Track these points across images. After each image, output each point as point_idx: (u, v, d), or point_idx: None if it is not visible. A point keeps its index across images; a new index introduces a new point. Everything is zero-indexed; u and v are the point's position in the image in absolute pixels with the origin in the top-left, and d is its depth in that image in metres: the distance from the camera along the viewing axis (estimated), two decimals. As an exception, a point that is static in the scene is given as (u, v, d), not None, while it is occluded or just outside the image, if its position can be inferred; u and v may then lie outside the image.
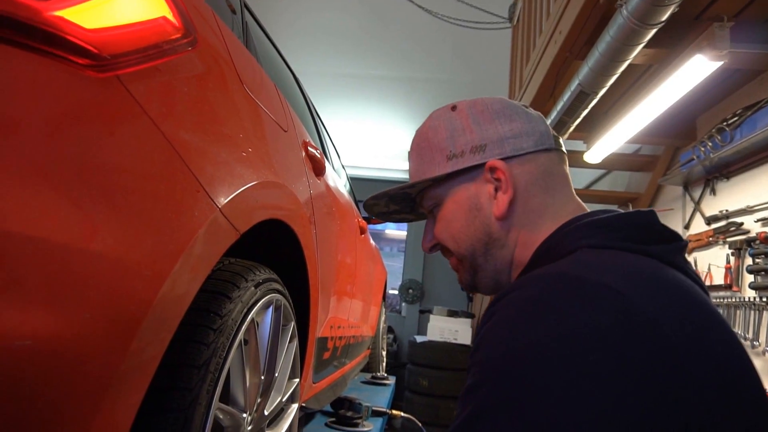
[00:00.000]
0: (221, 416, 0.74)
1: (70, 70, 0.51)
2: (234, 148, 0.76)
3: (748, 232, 2.62)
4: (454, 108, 0.74)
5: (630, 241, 0.58)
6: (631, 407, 0.43)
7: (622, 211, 0.63)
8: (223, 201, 0.68)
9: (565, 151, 0.74)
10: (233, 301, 0.74)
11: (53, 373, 0.46)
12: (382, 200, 0.82)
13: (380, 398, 2.47)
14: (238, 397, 0.78)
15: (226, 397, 0.78)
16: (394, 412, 2.01)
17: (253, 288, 0.80)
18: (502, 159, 0.69)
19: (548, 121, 3.06)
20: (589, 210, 0.69)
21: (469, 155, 0.70)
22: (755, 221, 2.56)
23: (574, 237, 0.61)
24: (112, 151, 0.53)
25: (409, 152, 0.80)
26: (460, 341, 4.81)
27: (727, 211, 2.78)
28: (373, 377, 3.04)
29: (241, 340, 0.75)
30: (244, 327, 0.75)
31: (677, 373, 0.45)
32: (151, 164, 0.57)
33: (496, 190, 0.69)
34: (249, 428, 0.84)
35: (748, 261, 2.55)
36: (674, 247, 0.59)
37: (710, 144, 2.70)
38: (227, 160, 0.72)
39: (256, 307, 0.80)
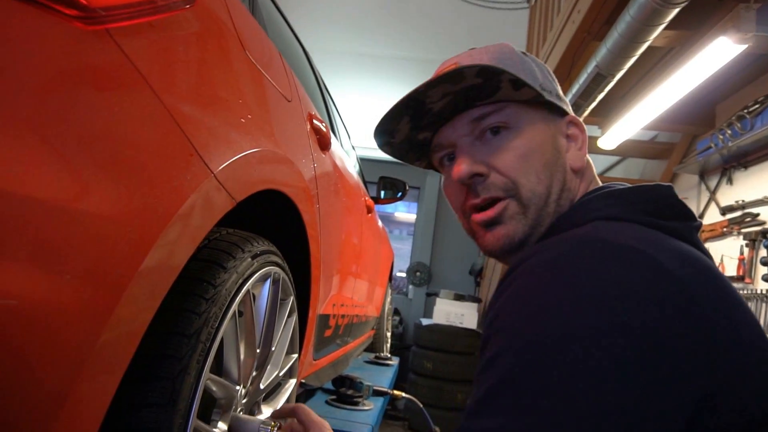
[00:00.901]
0: (214, 388, 0.73)
1: (58, 21, 0.48)
2: (231, 114, 0.73)
3: (763, 223, 2.57)
4: (525, 54, 0.68)
5: (647, 215, 0.54)
6: (663, 368, 0.41)
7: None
8: (218, 167, 0.65)
9: None
10: (228, 271, 0.72)
11: (35, 335, 0.44)
12: (404, 120, 0.66)
13: (383, 378, 2.47)
14: (232, 369, 0.77)
15: (220, 369, 0.76)
16: (396, 392, 2.00)
17: (249, 259, 0.78)
18: None
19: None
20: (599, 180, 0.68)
21: (557, 99, 0.66)
22: (772, 212, 2.50)
23: (590, 207, 0.58)
24: (101, 107, 0.50)
25: (472, 51, 0.67)
26: (465, 325, 4.81)
27: (743, 201, 2.72)
28: (376, 357, 3.04)
29: (235, 312, 0.73)
30: (238, 298, 0.73)
31: (707, 335, 0.43)
32: (142, 124, 0.55)
33: (570, 143, 0.66)
34: (243, 401, 0.83)
35: (763, 253, 2.50)
36: (690, 225, 0.56)
37: (729, 132, 2.62)
38: (224, 124, 0.70)
39: (252, 279, 0.78)
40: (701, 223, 0.59)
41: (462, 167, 0.62)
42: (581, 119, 2.59)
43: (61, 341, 0.46)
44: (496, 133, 0.63)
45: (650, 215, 0.54)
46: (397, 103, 0.65)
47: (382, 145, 0.72)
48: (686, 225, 0.55)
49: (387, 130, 0.69)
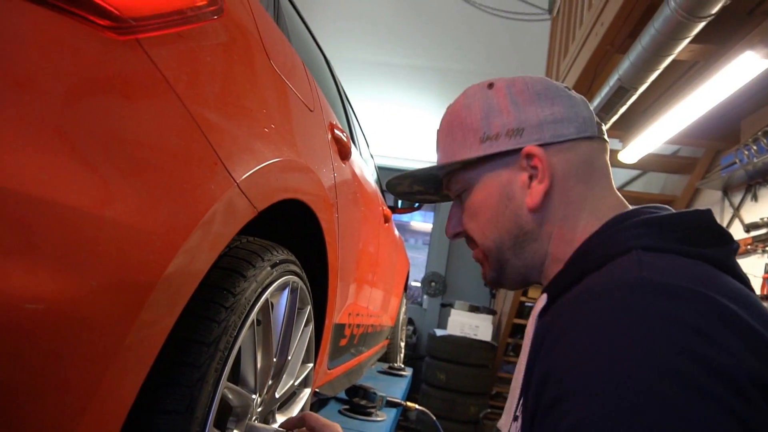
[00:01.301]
0: (230, 396, 0.73)
1: (90, 31, 0.49)
2: (256, 124, 0.74)
3: (790, 241, 2.50)
4: (491, 86, 0.68)
5: (686, 244, 0.53)
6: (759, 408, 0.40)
7: (671, 209, 0.58)
8: (241, 176, 0.66)
9: (607, 140, 0.68)
10: (248, 279, 0.72)
11: (59, 339, 0.45)
12: (406, 180, 0.77)
13: (396, 389, 2.46)
14: (248, 377, 0.77)
15: (236, 377, 0.76)
16: (409, 404, 1.99)
17: (269, 268, 0.78)
18: (540, 145, 0.63)
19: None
20: (629, 205, 0.64)
21: (505, 139, 0.64)
22: (799, 231, 2.44)
23: (626, 236, 0.55)
24: (129, 115, 0.51)
25: (437, 130, 0.74)
26: (480, 337, 4.76)
27: (768, 218, 2.66)
28: (390, 368, 3.03)
29: (253, 320, 0.73)
30: (257, 307, 0.73)
31: None
32: (168, 133, 0.55)
33: (531, 178, 0.63)
34: (258, 410, 0.83)
35: (788, 272, 2.44)
36: (729, 250, 0.54)
37: (755, 147, 2.57)
38: (248, 134, 0.70)
39: (271, 288, 0.78)
40: (739, 245, 0.57)
41: (447, 230, 0.75)
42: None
43: (87, 345, 0.47)
44: (462, 197, 0.71)
45: (687, 243, 0.53)
46: (399, 176, 0.77)
47: (401, 196, 0.84)
48: (725, 251, 0.54)
49: (398, 189, 0.81)
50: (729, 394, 0.39)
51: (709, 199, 3.31)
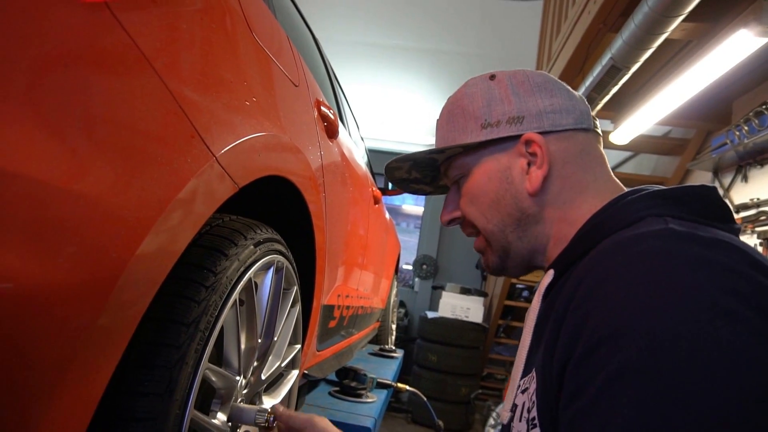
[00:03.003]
0: (213, 377, 0.71)
1: (53, -7, 0.46)
2: (236, 96, 0.71)
3: (779, 222, 2.51)
4: (492, 77, 0.70)
5: (696, 215, 0.53)
6: None
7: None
8: (220, 150, 0.63)
9: (601, 134, 0.71)
10: (229, 258, 0.70)
11: (29, 318, 0.43)
12: (406, 164, 0.77)
13: (387, 371, 2.46)
14: (232, 359, 0.75)
15: (220, 359, 0.75)
16: (400, 385, 1.99)
17: (252, 246, 0.76)
18: (539, 133, 0.65)
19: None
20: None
21: (505, 126, 0.67)
22: (788, 211, 2.45)
23: (638, 207, 0.56)
24: (98, 85, 0.48)
25: (438, 120, 0.75)
26: (471, 319, 4.79)
27: (758, 199, 2.66)
28: (381, 350, 3.03)
29: (236, 300, 0.71)
30: (239, 286, 0.71)
31: None
32: (141, 103, 0.52)
33: (530, 165, 0.66)
34: (244, 392, 0.81)
35: (777, 252, 2.45)
36: (734, 228, 0.54)
37: (746, 128, 2.57)
38: (227, 107, 0.67)
39: (254, 267, 0.76)
40: (740, 227, 0.56)
41: (442, 216, 0.75)
42: (594, 112, 2.53)
43: (56, 325, 0.45)
44: (460, 182, 0.72)
45: (697, 215, 0.53)
46: (399, 158, 0.76)
47: (399, 183, 0.83)
48: (731, 227, 0.54)
49: (396, 174, 0.81)
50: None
51: (700, 180, 3.32)
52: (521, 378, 0.61)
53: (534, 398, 0.55)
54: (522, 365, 0.61)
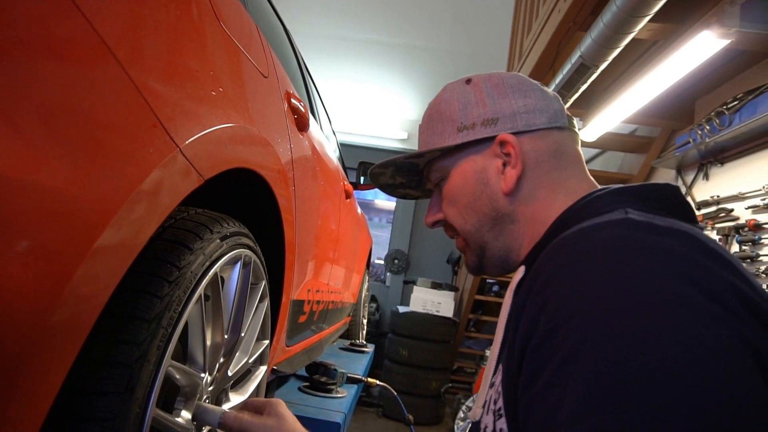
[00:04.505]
0: (177, 375, 0.69)
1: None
2: (202, 86, 0.69)
3: (737, 218, 2.60)
4: (468, 81, 0.72)
5: (660, 211, 0.54)
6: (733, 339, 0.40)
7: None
8: (184, 141, 0.61)
9: (578, 132, 0.72)
10: (194, 252, 0.68)
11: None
12: (388, 169, 0.78)
13: (357, 366, 2.45)
14: (197, 356, 0.73)
15: (184, 356, 0.73)
16: (370, 380, 1.99)
17: (218, 240, 0.74)
18: (513, 133, 0.67)
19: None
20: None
21: (480, 128, 0.68)
22: (745, 208, 2.53)
23: (602, 202, 0.57)
24: (50, 70, 0.46)
25: (419, 126, 0.77)
26: (442, 313, 4.82)
27: (718, 196, 2.75)
28: (351, 344, 3.02)
29: (201, 295, 0.69)
30: (205, 281, 0.69)
31: (757, 309, 0.42)
32: (99, 90, 0.50)
33: (505, 165, 0.67)
34: (209, 389, 0.80)
35: (735, 248, 2.54)
36: (698, 227, 0.56)
37: (708, 127, 2.64)
38: (192, 96, 0.65)
39: (220, 261, 0.74)
40: (703, 227, 0.58)
41: (426, 218, 0.77)
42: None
43: (6, 321, 0.42)
44: (440, 185, 0.74)
45: (661, 212, 0.54)
46: (382, 164, 0.78)
47: (385, 188, 0.84)
48: (696, 226, 0.55)
49: (381, 179, 0.82)
50: (727, 314, 0.40)
51: (664, 178, 3.41)
52: (492, 375, 0.61)
53: (500, 389, 0.55)
54: (494, 362, 0.62)
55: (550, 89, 2.38)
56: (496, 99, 0.69)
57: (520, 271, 0.63)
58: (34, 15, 0.44)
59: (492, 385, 0.59)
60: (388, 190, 0.85)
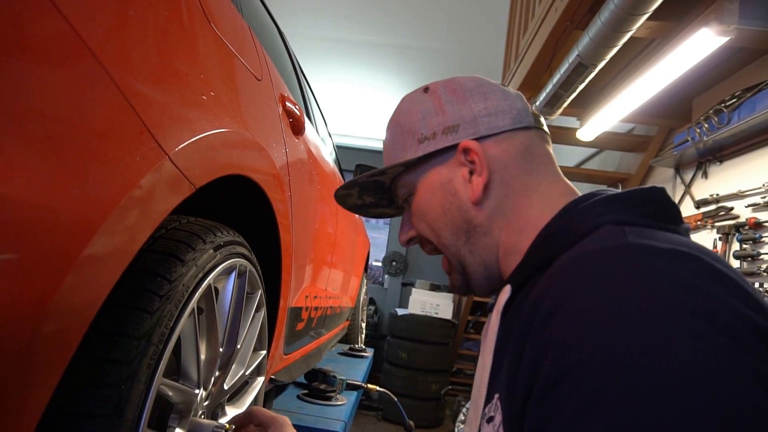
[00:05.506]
0: (169, 393, 0.66)
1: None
2: (192, 90, 0.66)
3: (737, 217, 2.58)
4: (426, 89, 0.69)
5: (650, 218, 0.52)
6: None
7: (620, 190, 0.57)
8: (173, 148, 0.58)
9: (547, 131, 0.68)
10: (186, 264, 0.65)
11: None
12: (353, 190, 0.74)
13: (357, 371, 2.42)
14: (191, 371, 0.70)
15: (177, 372, 0.70)
16: (370, 386, 1.96)
17: (212, 251, 0.71)
18: (475, 139, 0.63)
19: (543, 95, 2.89)
20: (578, 190, 0.62)
21: (441, 137, 0.64)
22: (746, 206, 2.52)
23: (592, 214, 0.54)
24: (32, 76, 0.43)
25: (384, 141, 0.73)
26: (441, 315, 4.80)
27: (717, 195, 2.73)
28: (350, 349, 2.99)
29: (194, 309, 0.67)
30: (197, 294, 0.67)
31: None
32: (81, 97, 0.47)
33: (471, 173, 0.63)
34: (205, 404, 0.77)
35: (735, 246, 2.52)
36: (686, 228, 0.54)
37: (706, 126, 2.63)
38: (182, 101, 0.63)
39: (214, 273, 0.71)
40: (689, 226, 0.56)
41: (399, 237, 0.72)
42: (560, 110, 2.52)
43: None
44: (409, 200, 0.70)
45: (651, 218, 0.52)
46: (345, 185, 0.73)
47: (355, 210, 0.80)
48: (682, 228, 0.53)
49: (349, 201, 0.77)
50: (743, 351, 0.37)
51: (662, 177, 3.39)
52: (485, 405, 0.57)
53: (500, 430, 0.51)
54: (485, 389, 0.57)
55: (547, 89, 2.31)
56: (455, 105, 0.65)
57: (506, 291, 0.59)
58: (8, 16, 0.41)
59: (490, 420, 0.54)
60: (360, 211, 0.80)
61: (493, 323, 0.59)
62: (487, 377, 0.57)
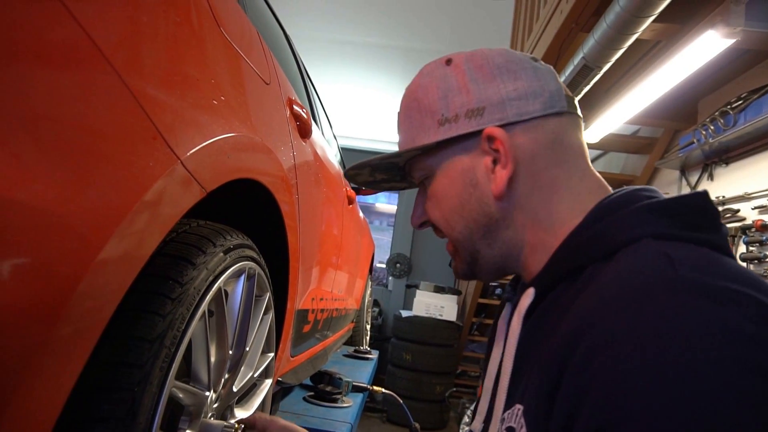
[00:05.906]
0: (180, 395, 0.66)
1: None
2: (203, 94, 0.66)
3: (743, 219, 2.57)
4: (449, 62, 0.62)
5: (692, 230, 0.48)
6: None
7: (659, 192, 0.54)
8: (185, 152, 0.59)
9: (580, 115, 0.62)
10: (197, 267, 0.65)
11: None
12: (365, 170, 0.70)
13: (362, 373, 2.43)
14: (201, 373, 0.70)
15: (187, 374, 0.70)
16: (375, 388, 1.96)
17: (222, 254, 0.72)
18: (502, 126, 0.57)
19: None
20: (609, 186, 0.59)
21: (464, 120, 0.58)
22: (752, 209, 2.51)
23: (631, 223, 0.50)
24: (47, 81, 0.43)
25: (398, 113, 0.67)
26: (445, 317, 4.79)
27: (723, 197, 2.72)
28: (356, 351, 2.99)
29: (204, 312, 0.67)
30: (208, 297, 0.67)
31: None
32: (95, 101, 0.48)
33: (495, 162, 0.58)
34: (214, 406, 0.77)
35: (742, 249, 2.51)
36: (725, 232, 0.51)
37: (712, 128, 2.62)
38: (194, 106, 0.63)
39: (224, 276, 0.72)
40: (727, 231, 0.53)
41: (412, 220, 0.69)
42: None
43: (2, 348, 0.40)
44: (425, 183, 0.66)
45: (692, 229, 0.48)
46: (356, 165, 0.70)
47: (366, 185, 0.77)
48: (722, 234, 0.50)
49: (359, 178, 0.74)
50: None
51: (667, 179, 3.38)
52: (504, 410, 0.55)
53: None
54: (504, 394, 0.55)
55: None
56: (481, 84, 0.58)
57: (529, 295, 0.56)
58: (23, 20, 0.42)
59: (506, 426, 0.52)
60: (370, 186, 0.76)
61: (514, 327, 0.57)
62: (507, 382, 0.56)
